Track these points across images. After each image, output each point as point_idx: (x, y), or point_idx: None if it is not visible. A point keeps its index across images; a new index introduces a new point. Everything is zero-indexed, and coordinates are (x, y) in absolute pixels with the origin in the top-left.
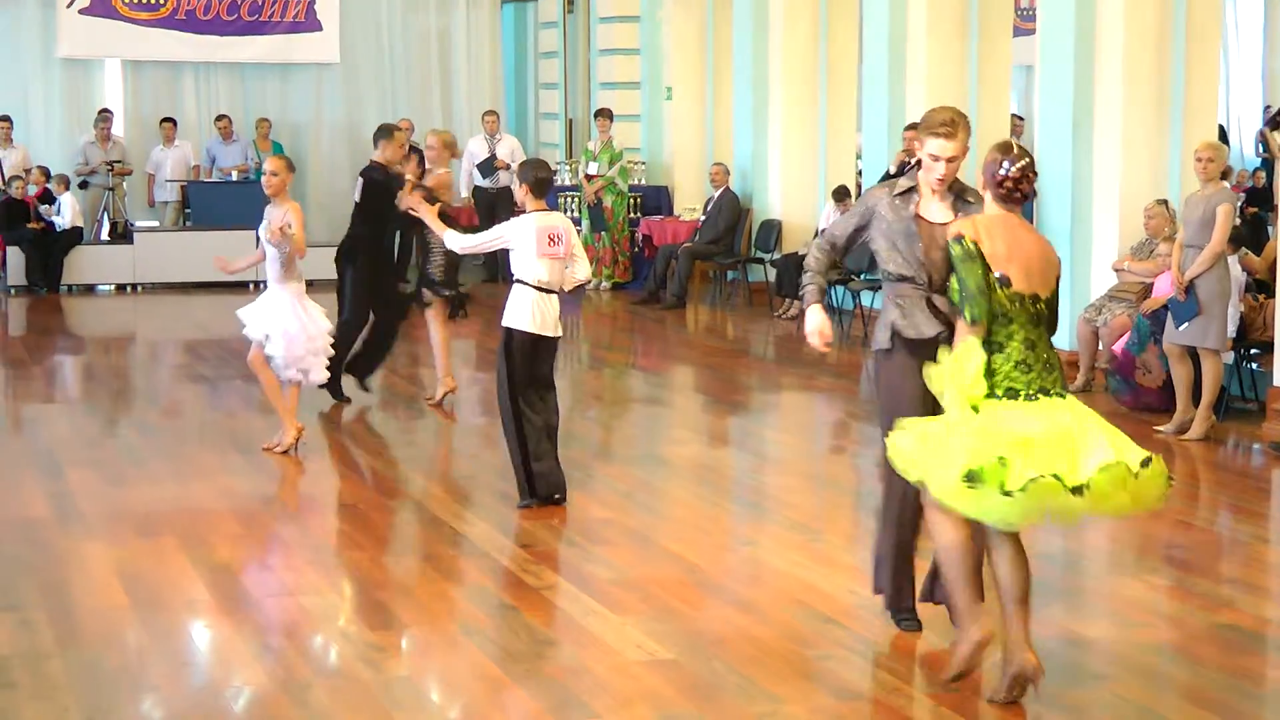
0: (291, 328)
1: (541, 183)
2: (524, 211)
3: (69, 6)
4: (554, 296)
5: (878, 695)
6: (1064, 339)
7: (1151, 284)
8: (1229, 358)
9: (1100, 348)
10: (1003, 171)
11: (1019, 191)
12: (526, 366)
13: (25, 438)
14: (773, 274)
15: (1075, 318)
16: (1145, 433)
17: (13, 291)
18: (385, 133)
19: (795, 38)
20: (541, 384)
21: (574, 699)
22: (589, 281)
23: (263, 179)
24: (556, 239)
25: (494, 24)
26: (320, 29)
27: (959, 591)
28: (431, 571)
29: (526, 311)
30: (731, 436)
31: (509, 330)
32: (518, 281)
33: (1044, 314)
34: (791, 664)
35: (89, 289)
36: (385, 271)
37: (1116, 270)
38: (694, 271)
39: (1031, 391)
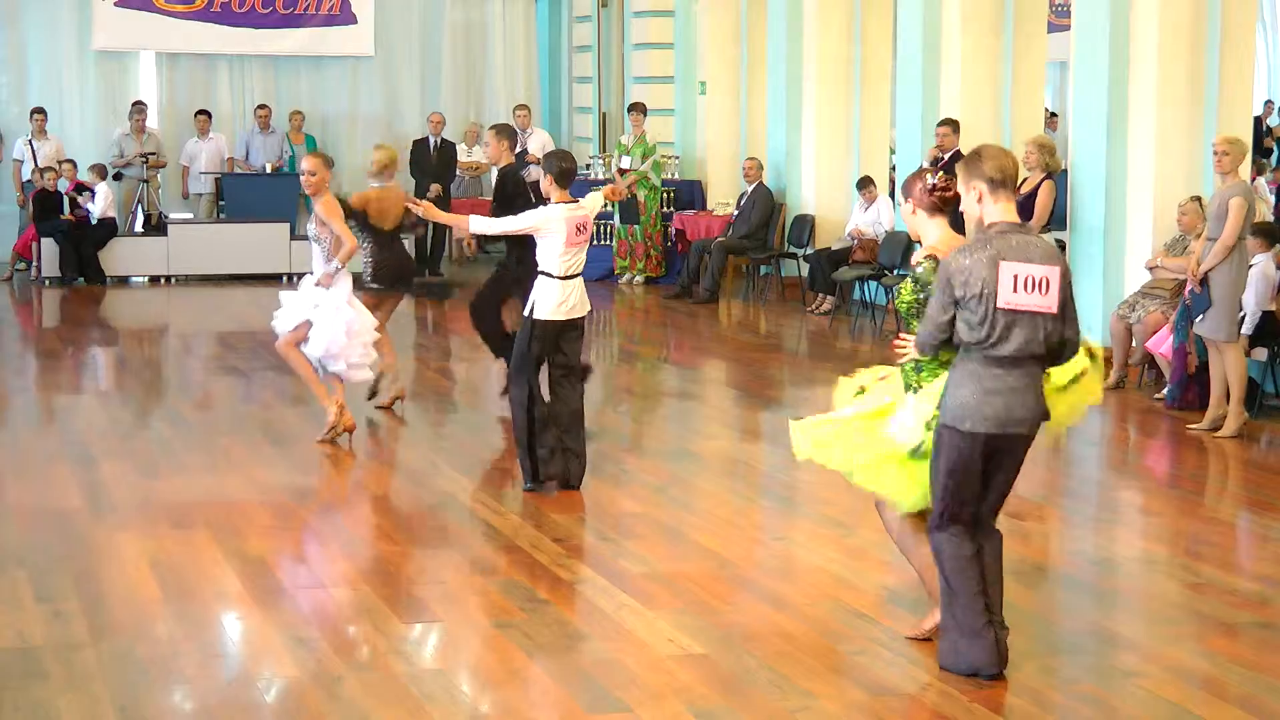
0: (333, 322)
1: (565, 173)
2: (549, 201)
3: None
4: (578, 280)
5: (910, 691)
6: (1097, 335)
7: (1184, 280)
8: (1262, 355)
9: (1134, 344)
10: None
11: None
12: (549, 352)
13: (59, 429)
14: (806, 269)
15: (1108, 314)
16: (1179, 430)
17: (46, 283)
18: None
19: (829, 32)
20: (567, 368)
21: (605, 693)
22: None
23: (301, 179)
24: (584, 228)
25: (528, 17)
26: (355, 22)
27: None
28: (464, 564)
29: (554, 300)
30: (764, 431)
31: (535, 321)
32: (543, 274)
33: None
34: (824, 659)
35: (123, 280)
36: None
37: (1150, 268)
38: (727, 266)
39: None
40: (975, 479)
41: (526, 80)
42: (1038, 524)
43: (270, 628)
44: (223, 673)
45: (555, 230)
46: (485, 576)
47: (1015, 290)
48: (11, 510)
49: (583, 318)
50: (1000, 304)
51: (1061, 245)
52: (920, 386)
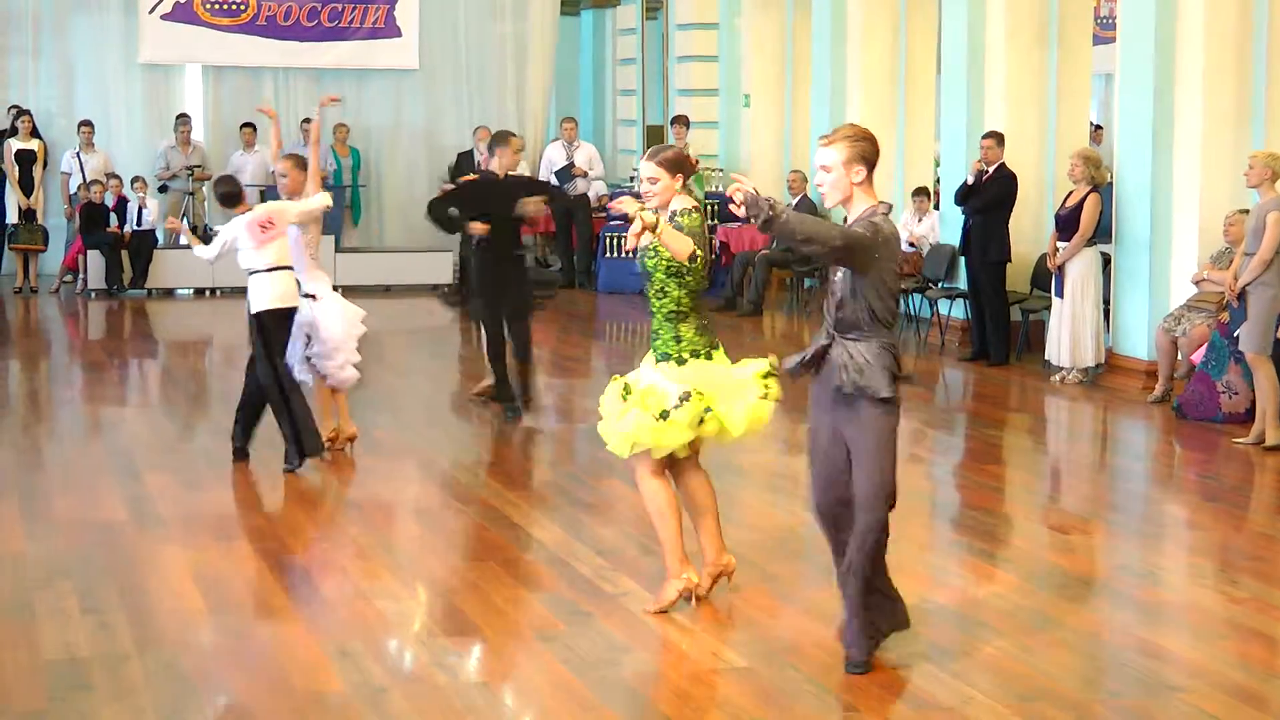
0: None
1: (227, 196)
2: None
3: (151, 12)
4: (287, 272)
5: (953, 705)
6: (1142, 348)
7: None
8: None
9: (1179, 358)
10: None
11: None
12: (282, 341)
13: (104, 441)
14: None
15: (1154, 327)
16: (1224, 443)
17: (93, 295)
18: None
19: (874, 45)
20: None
21: (650, 706)
22: (324, 205)
23: (278, 183)
24: (267, 225)
25: (552, 32)
26: (399, 35)
27: (675, 543)
28: (507, 577)
29: (270, 292)
30: (807, 444)
31: (259, 315)
32: (252, 273)
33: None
34: (867, 673)
35: (168, 292)
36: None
37: (1197, 282)
38: (771, 279)
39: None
40: None
41: (544, 94)
42: (1083, 538)
43: (313, 640)
44: (266, 685)
45: (240, 238)
46: (528, 589)
47: None
48: (58, 522)
49: (294, 308)
50: None
51: (1107, 258)
52: (681, 357)
